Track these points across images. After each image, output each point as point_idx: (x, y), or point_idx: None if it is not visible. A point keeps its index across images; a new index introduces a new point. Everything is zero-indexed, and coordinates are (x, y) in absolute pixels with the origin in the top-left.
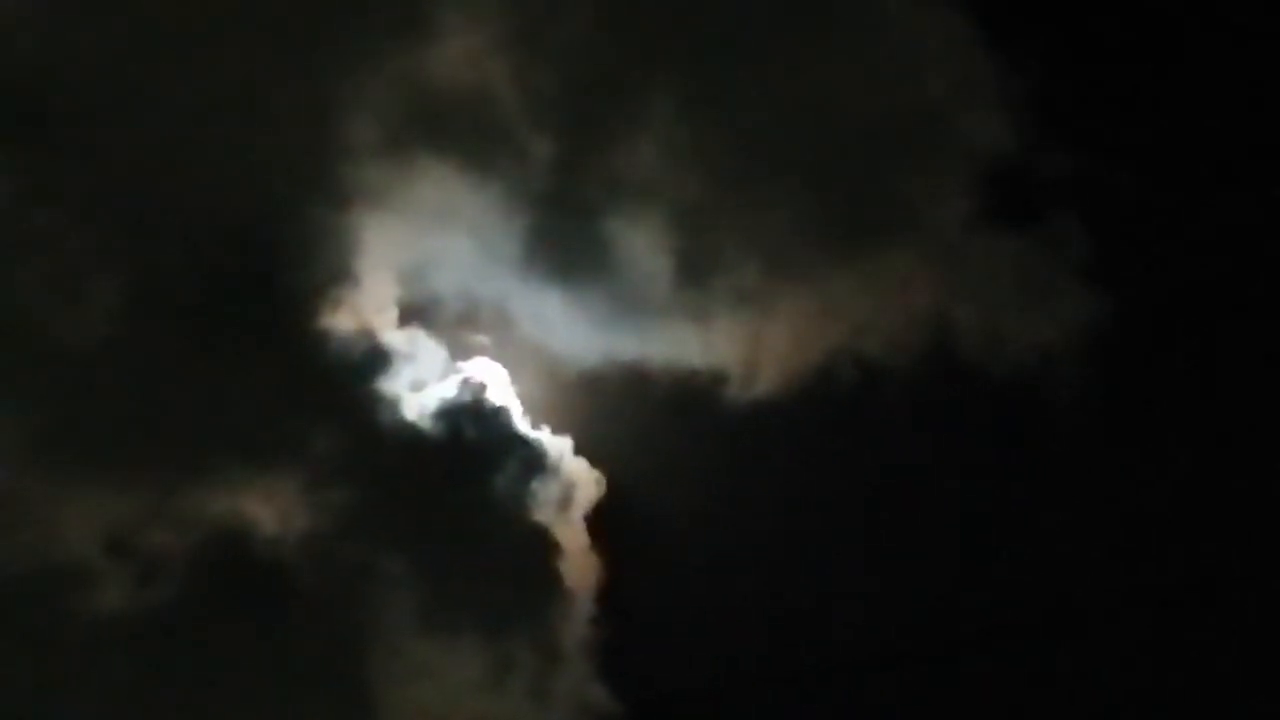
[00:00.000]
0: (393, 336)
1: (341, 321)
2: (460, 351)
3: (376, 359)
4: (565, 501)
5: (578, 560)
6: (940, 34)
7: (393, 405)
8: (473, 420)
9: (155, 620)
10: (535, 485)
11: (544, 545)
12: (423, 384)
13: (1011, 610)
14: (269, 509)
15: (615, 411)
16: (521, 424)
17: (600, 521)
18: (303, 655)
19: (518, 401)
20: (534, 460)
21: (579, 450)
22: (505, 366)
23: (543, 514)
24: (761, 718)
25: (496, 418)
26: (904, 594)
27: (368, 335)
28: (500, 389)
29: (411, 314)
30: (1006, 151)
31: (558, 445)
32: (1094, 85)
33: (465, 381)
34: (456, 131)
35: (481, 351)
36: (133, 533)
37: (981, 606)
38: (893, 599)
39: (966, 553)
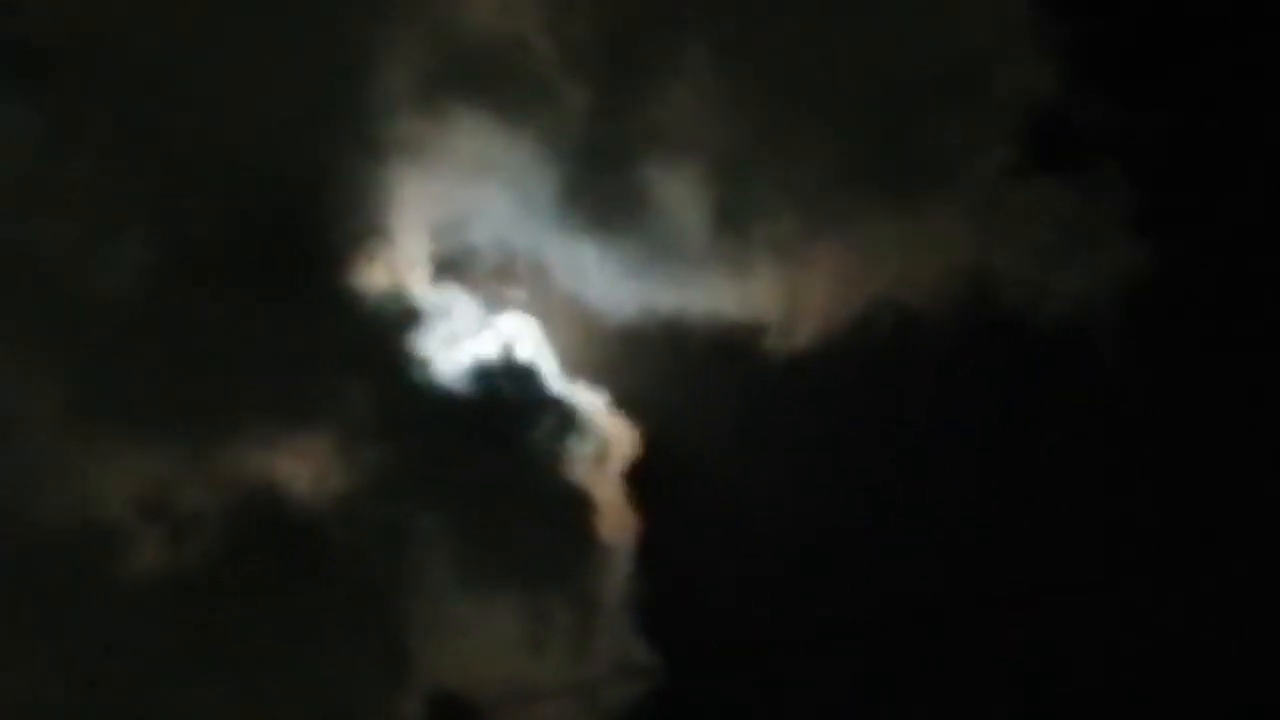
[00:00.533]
0: (426, 292)
1: (375, 277)
2: (495, 306)
3: (410, 315)
4: (601, 457)
5: (615, 516)
6: None
7: (427, 362)
8: (507, 377)
9: (190, 579)
10: (570, 441)
11: (580, 501)
12: (457, 340)
13: (1051, 566)
14: (303, 467)
15: (652, 365)
16: (556, 380)
17: (637, 477)
18: (338, 614)
19: (552, 357)
20: (568, 416)
21: (615, 405)
22: (540, 321)
23: (579, 470)
24: (802, 671)
25: (530, 374)
26: (945, 548)
27: (401, 291)
28: (534, 344)
29: (446, 268)
30: (1047, 99)
31: (593, 400)
32: (1136, 31)
33: (499, 337)
34: (490, 81)
35: (516, 306)
36: (166, 492)
37: (1022, 562)
38: (933, 553)
39: (1007, 507)
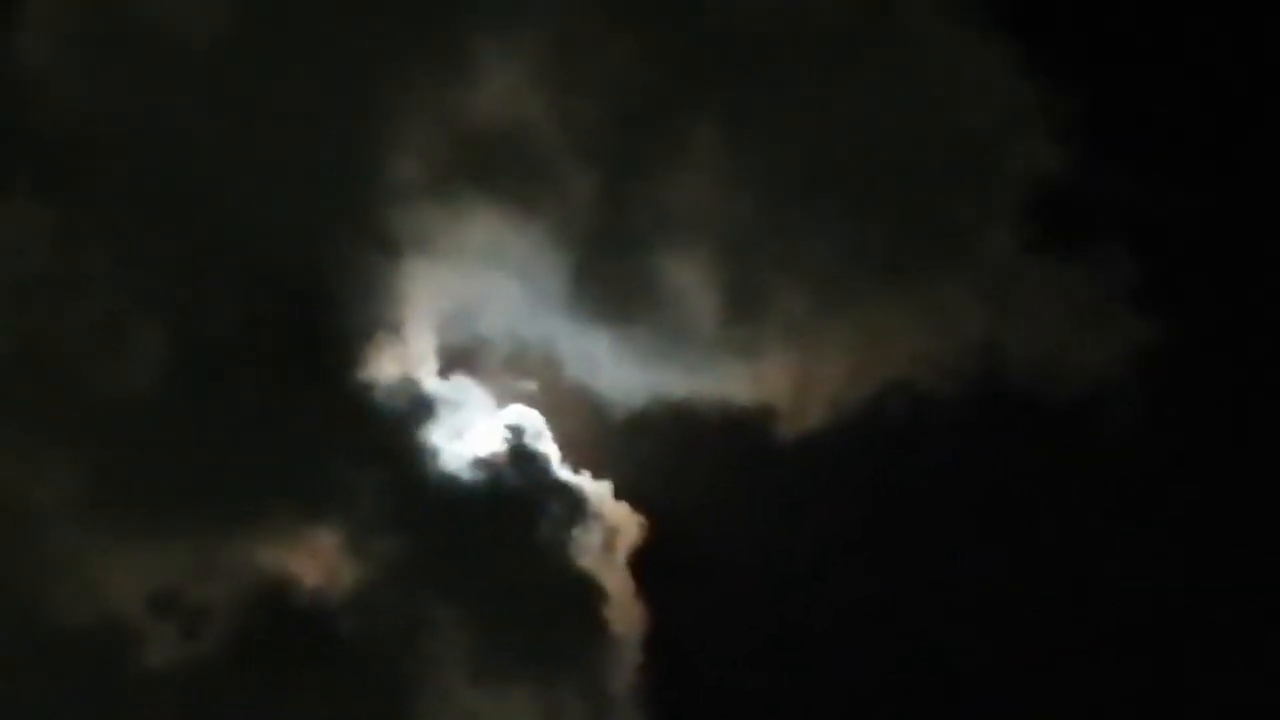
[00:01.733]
0: (435, 384)
1: (385, 369)
2: (504, 397)
3: (419, 408)
4: (609, 546)
5: (623, 605)
6: (986, 59)
7: (436, 454)
8: (514, 467)
9: (203, 673)
10: (577, 531)
11: (589, 591)
12: (464, 432)
13: (1068, 638)
14: (314, 560)
15: (660, 453)
16: (561, 470)
17: (645, 565)
18: (350, 707)
19: (556, 448)
20: (575, 506)
21: (622, 494)
22: (547, 411)
23: (586, 560)
24: None
25: (536, 465)
26: (957, 628)
27: (411, 383)
28: (539, 436)
29: (454, 359)
30: (1056, 178)
31: (598, 490)
32: (1142, 110)
33: (505, 429)
34: (499, 170)
35: (523, 397)
36: (179, 585)
37: (1036, 633)
38: (946, 635)
39: (1022, 583)
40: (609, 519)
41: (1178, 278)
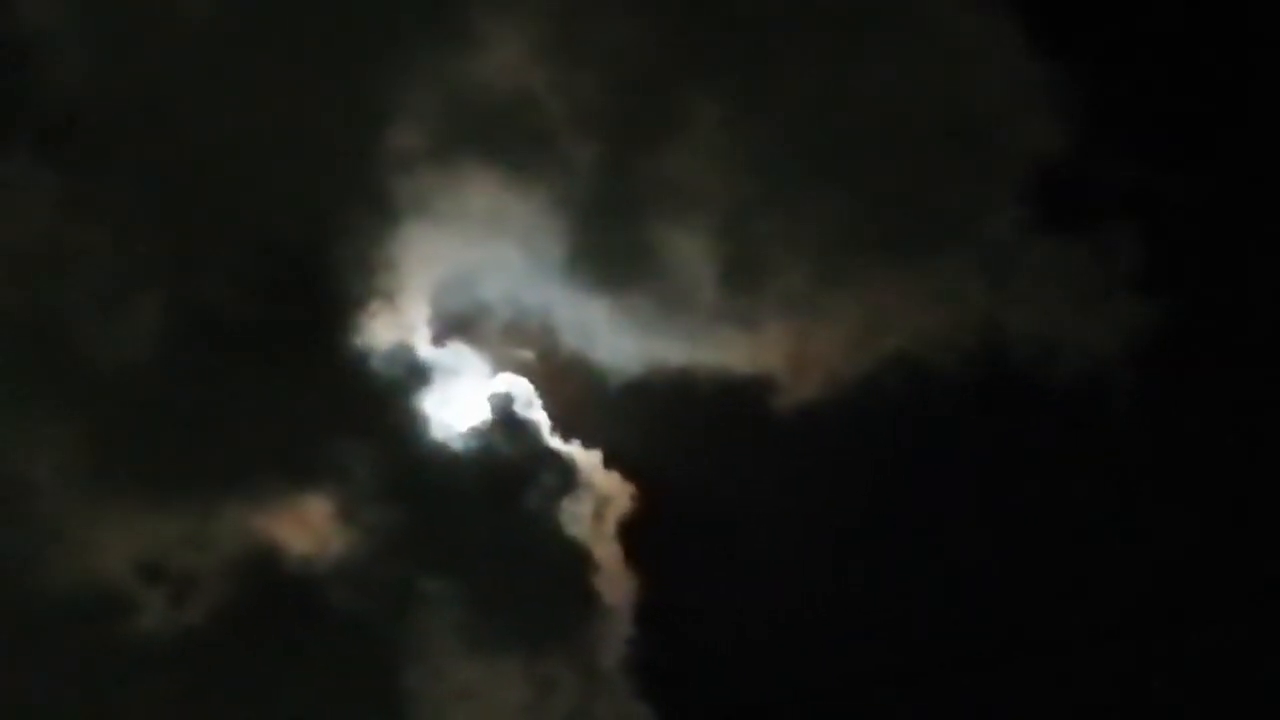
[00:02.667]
0: (430, 351)
1: (380, 337)
2: (498, 365)
3: (414, 375)
4: (599, 516)
5: (613, 575)
6: (991, 36)
7: (428, 422)
8: (503, 437)
9: (193, 641)
10: (567, 501)
11: (579, 561)
12: (458, 401)
13: (1063, 620)
14: (304, 528)
15: (655, 422)
16: (551, 439)
17: (637, 535)
18: (340, 676)
19: (546, 416)
20: (565, 476)
21: (614, 463)
22: (539, 379)
23: (577, 530)
24: None
25: (526, 433)
26: (953, 605)
27: (405, 350)
28: (530, 404)
29: (451, 327)
30: (1058, 158)
31: (589, 459)
32: (1147, 90)
33: (495, 398)
34: (499, 138)
35: (517, 365)
36: (170, 554)
37: (1033, 616)
38: (941, 610)
39: (1018, 563)
40: (599, 489)
41: (1181, 260)
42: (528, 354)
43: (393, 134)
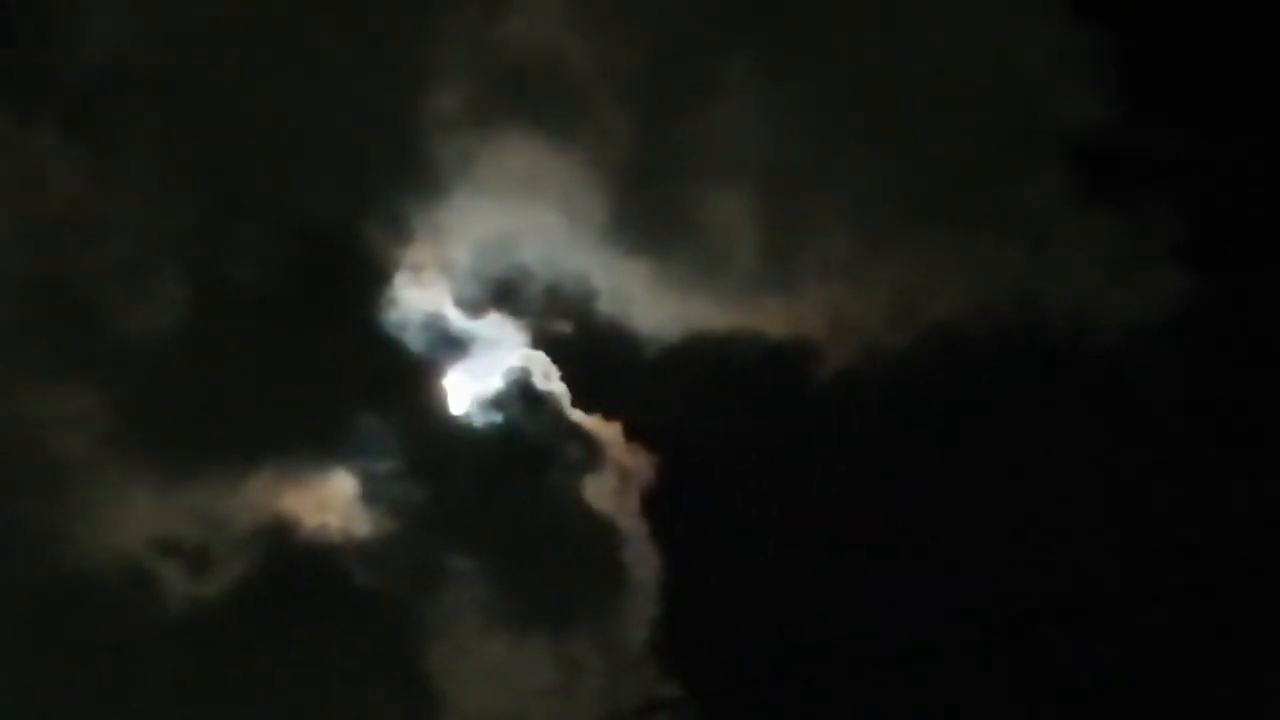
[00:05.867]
0: (458, 323)
1: (409, 306)
2: (528, 334)
3: (440, 349)
4: (623, 489)
5: (639, 549)
6: (1035, 3)
7: (450, 396)
8: (525, 410)
9: (217, 618)
10: (590, 475)
11: (603, 535)
12: (483, 372)
13: (1099, 591)
14: (329, 504)
15: (687, 390)
16: (573, 412)
17: (663, 508)
18: (363, 652)
19: (566, 388)
20: (586, 448)
21: (637, 435)
22: (567, 349)
23: (601, 503)
24: (832, 705)
25: (547, 406)
26: (986, 576)
27: (434, 322)
28: (549, 376)
29: (480, 296)
30: (1099, 129)
31: (610, 431)
32: (1189, 63)
33: (516, 370)
34: (535, 103)
35: (541, 336)
36: (194, 528)
37: (1069, 587)
38: (976, 581)
39: (1053, 532)
40: (622, 461)
41: (1219, 232)
42: (560, 324)
43: (427, 99)
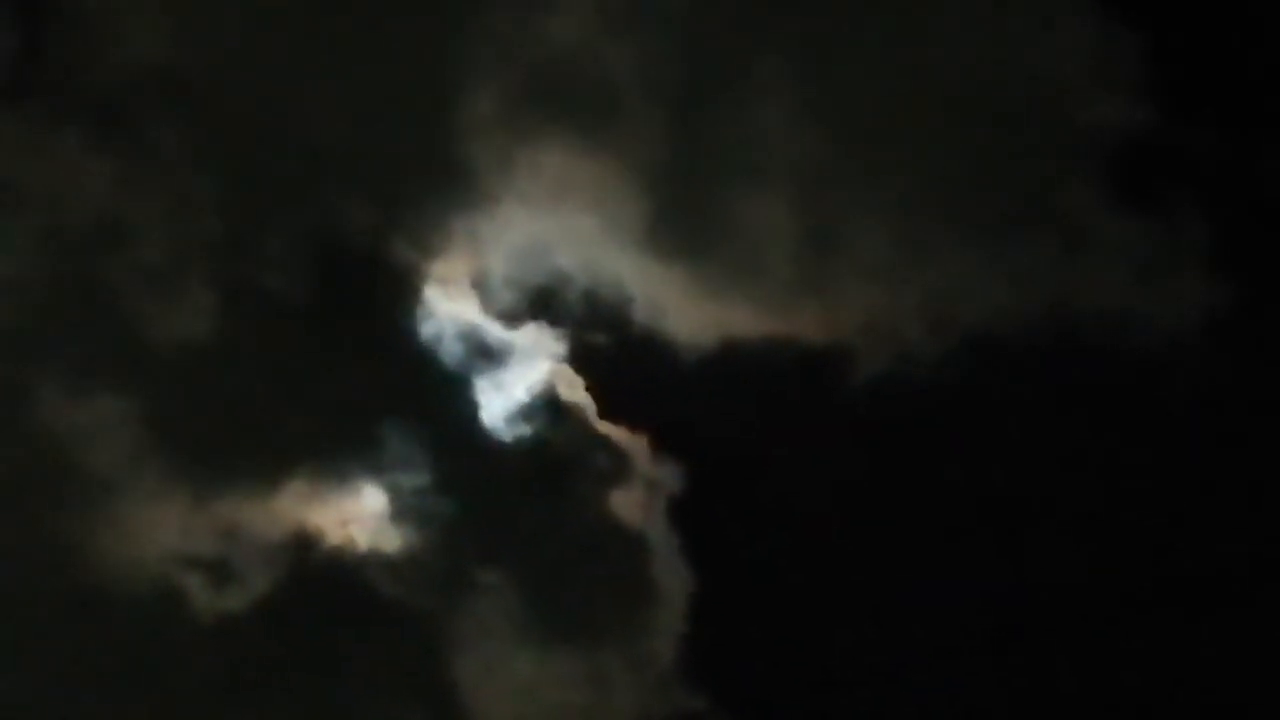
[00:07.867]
0: (491, 332)
1: (441, 315)
2: (559, 344)
3: (471, 359)
4: (650, 502)
5: (668, 563)
6: (1070, 5)
7: (480, 408)
8: (551, 422)
9: (246, 632)
10: (616, 488)
11: (630, 549)
12: (507, 384)
13: (1133, 596)
14: (356, 516)
15: (718, 399)
16: (599, 424)
17: (692, 521)
18: (389, 667)
19: (592, 400)
20: (613, 461)
21: (664, 446)
22: (593, 359)
23: (628, 516)
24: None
25: (573, 418)
26: (1024, 583)
27: (466, 331)
28: (575, 387)
29: (513, 304)
30: (1134, 133)
31: (636, 443)
32: (1223, 68)
33: (543, 381)
34: (568, 106)
35: (569, 346)
36: (220, 540)
37: (1107, 594)
38: (1015, 594)
39: (1090, 538)
40: (650, 474)
41: (1255, 237)
42: (595, 334)
43: (461, 105)
